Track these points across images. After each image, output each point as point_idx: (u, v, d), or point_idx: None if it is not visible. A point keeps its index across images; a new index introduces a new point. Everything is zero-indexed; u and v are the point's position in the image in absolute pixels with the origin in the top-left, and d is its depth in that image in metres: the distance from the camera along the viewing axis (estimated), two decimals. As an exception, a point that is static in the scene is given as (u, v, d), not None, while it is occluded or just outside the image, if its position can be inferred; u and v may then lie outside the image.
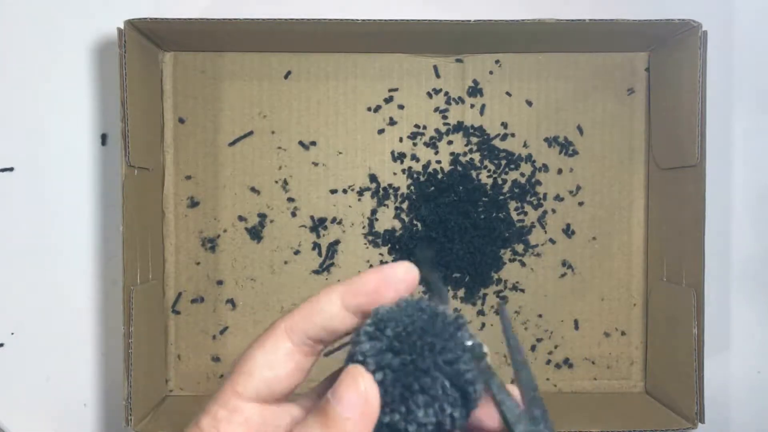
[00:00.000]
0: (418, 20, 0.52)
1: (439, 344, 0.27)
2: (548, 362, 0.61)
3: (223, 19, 0.52)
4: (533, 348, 0.61)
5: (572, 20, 0.52)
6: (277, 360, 0.28)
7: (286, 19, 0.52)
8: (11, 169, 0.60)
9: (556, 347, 0.61)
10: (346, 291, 0.28)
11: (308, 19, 0.51)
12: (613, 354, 0.61)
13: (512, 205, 0.61)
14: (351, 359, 0.27)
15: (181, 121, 0.59)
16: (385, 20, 0.52)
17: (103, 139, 0.60)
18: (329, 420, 0.26)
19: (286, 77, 0.59)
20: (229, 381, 0.28)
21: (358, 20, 0.52)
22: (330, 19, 0.51)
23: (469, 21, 0.52)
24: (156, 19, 0.51)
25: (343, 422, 0.26)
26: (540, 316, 0.61)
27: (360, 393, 0.26)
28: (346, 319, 0.28)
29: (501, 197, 0.60)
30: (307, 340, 0.29)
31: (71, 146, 0.60)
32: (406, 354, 0.26)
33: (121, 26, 0.50)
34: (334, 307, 0.28)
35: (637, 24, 0.53)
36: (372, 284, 0.28)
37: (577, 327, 0.61)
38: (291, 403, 0.30)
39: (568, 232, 0.61)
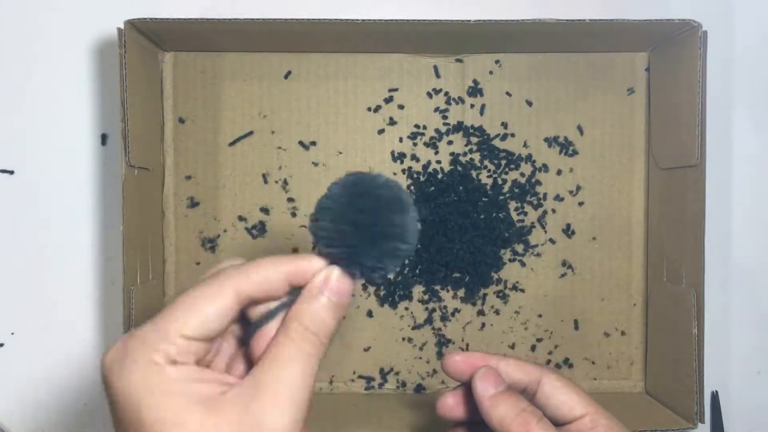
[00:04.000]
0: (418, 20, 0.52)
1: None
2: (548, 362, 0.61)
3: (223, 19, 0.52)
4: (533, 348, 0.61)
5: (572, 20, 0.52)
6: (221, 314, 0.32)
7: (286, 19, 0.51)
8: (11, 172, 0.60)
9: (556, 347, 0.61)
10: (292, 271, 0.34)
11: (308, 19, 0.51)
12: (613, 354, 0.61)
13: (512, 205, 0.61)
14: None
15: (181, 121, 0.59)
16: (385, 20, 0.52)
17: (103, 139, 0.60)
18: (324, 298, 0.34)
19: (286, 77, 0.59)
20: (172, 323, 0.31)
21: (358, 20, 0.52)
22: (330, 19, 0.51)
23: (469, 21, 0.52)
24: (156, 19, 0.51)
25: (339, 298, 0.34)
26: (540, 316, 0.61)
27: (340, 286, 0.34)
28: (283, 290, 0.34)
29: (501, 197, 0.60)
30: (246, 300, 0.33)
31: (71, 146, 0.60)
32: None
33: (121, 26, 0.50)
34: (278, 282, 0.33)
35: (637, 24, 0.53)
36: (311, 272, 0.34)
37: (577, 327, 0.61)
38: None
39: (568, 232, 0.61)
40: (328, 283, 0.34)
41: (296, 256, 0.34)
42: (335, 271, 0.34)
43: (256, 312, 0.35)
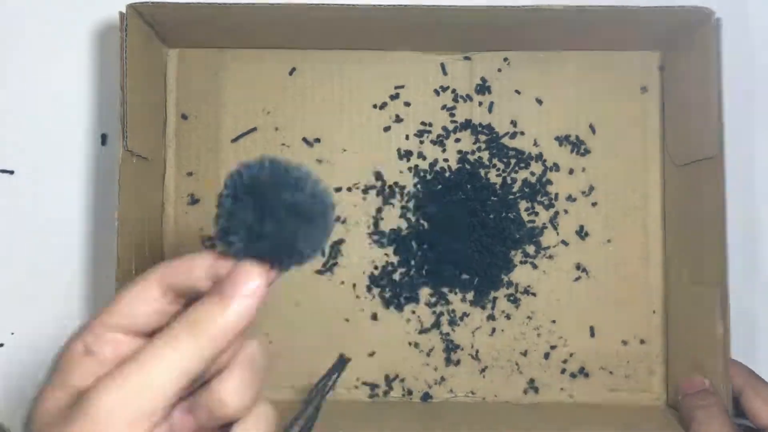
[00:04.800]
0: (424, 6, 0.51)
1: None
2: (563, 371, 0.58)
3: (226, 3, 0.51)
4: (546, 356, 0.58)
5: (581, 6, 0.51)
6: (143, 302, 0.32)
7: (289, 3, 0.51)
8: (11, 172, 0.59)
9: (571, 355, 0.58)
10: (212, 265, 0.32)
11: (312, 4, 0.51)
12: (631, 363, 0.58)
13: (522, 205, 0.59)
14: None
15: (184, 117, 0.58)
16: (391, 6, 0.51)
17: (103, 139, 0.60)
18: (225, 299, 0.31)
19: (290, 74, 0.59)
20: (96, 316, 0.32)
21: (360, 5, 0.51)
22: (332, 5, 0.50)
23: (480, 6, 0.51)
24: (157, 2, 0.50)
25: (238, 301, 0.31)
26: (553, 321, 0.58)
27: (256, 283, 0.31)
28: (208, 284, 0.32)
29: (510, 197, 0.58)
30: (171, 291, 0.32)
31: (71, 146, 0.59)
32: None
33: (123, 10, 0.50)
34: (201, 272, 0.32)
35: (649, 11, 0.52)
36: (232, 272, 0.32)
37: (592, 334, 0.58)
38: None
39: (582, 233, 0.59)
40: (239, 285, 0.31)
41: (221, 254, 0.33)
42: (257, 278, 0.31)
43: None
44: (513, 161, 0.59)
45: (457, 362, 0.58)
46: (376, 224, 0.58)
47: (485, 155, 0.59)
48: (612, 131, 0.59)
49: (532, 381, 0.58)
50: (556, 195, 0.59)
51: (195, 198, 0.58)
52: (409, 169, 0.59)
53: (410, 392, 0.58)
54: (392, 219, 0.58)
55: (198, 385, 0.32)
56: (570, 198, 0.59)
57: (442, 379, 0.58)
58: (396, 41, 0.58)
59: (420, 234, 0.58)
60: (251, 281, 0.31)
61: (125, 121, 0.49)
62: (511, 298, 0.58)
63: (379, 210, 0.58)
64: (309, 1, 0.51)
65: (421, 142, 0.59)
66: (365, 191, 0.58)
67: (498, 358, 0.58)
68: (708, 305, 0.51)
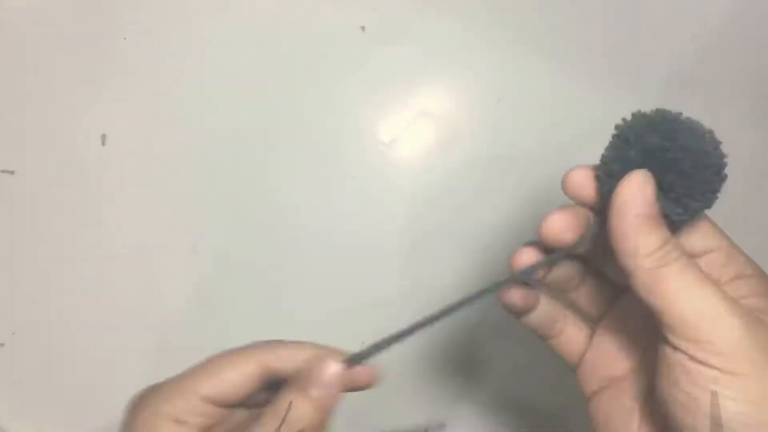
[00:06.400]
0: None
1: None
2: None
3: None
4: None
5: None
6: (239, 378, 0.32)
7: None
8: (12, 172, 0.60)
9: None
10: (314, 356, 0.33)
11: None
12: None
13: None
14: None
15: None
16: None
17: (103, 139, 0.60)
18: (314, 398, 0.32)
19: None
20: (192, 380, 0.32)
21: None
22: None
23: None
24: None
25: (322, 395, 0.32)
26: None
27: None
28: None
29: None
30: (266, 373, 0.33)
31: (71, 146, 0.60)
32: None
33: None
34: (301, 361, 0.33)
35: None
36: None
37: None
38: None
39: None
40: (319, 375, 0.32)
41: (321, 345, 0.34)
42: (333, 365, 0.32)
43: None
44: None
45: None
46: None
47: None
48: None
49: None
50: None
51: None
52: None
53: None
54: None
55: None
56: None
57: None
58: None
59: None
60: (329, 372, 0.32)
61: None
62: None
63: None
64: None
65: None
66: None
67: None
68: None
